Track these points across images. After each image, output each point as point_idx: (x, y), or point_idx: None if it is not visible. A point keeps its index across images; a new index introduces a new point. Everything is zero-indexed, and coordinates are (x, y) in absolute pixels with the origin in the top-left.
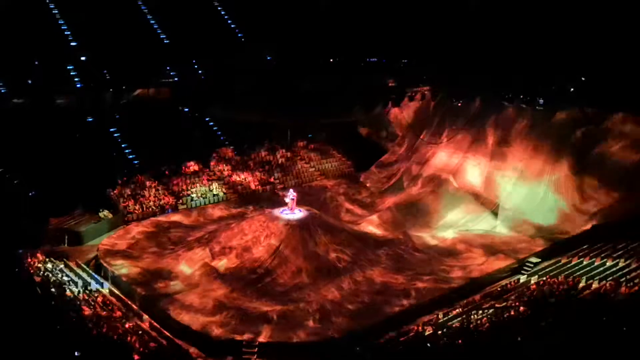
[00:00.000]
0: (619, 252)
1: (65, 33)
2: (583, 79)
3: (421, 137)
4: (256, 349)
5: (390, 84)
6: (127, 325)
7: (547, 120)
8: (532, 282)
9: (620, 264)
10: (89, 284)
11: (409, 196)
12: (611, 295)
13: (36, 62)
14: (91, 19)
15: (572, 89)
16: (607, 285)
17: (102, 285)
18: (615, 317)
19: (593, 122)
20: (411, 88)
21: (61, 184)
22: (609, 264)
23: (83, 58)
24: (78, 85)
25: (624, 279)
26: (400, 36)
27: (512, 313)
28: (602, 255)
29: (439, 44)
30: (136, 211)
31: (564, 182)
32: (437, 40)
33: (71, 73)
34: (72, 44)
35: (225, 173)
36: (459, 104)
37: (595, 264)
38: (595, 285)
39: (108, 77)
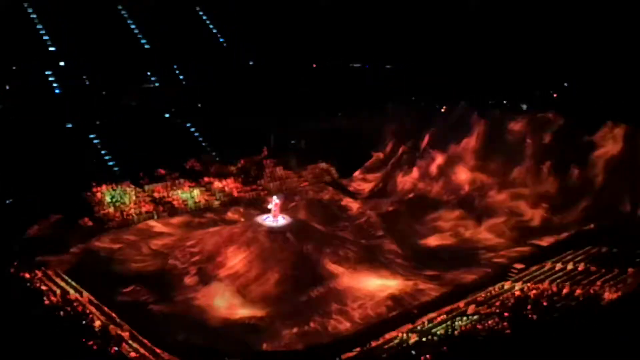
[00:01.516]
0: (603, 258)
1: (44, 38)
2: (566, 84)
3: (406, 143)
4: (239, 357)
5: (374, 90)
6: (107, 335)
7: (531, 125)
8: (517, 288)
9: (604, 270)
10: (68, 292)
11: (393, 202)
12: (595, 301)
13: (14, 68)
14: (70, 25)
15: (555, 95)
16: (591, 290)
17: (81, 294)
18: (598, 321)
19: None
20: (396, 93)
21: (40, 192)
22: (592, 269)
23: (62, 63)
24: (57, 91)
25: (607, 284)
26: (384, 42)
27: (497, 319)
28: (586, 260)
29: (424, 51)
30: (116, 218)
31: (546, 187)
32: (422, 46)
33: (50, 79)
34: (50, 49)
35: (207, 179)
36: (443, 109)
37: (579, 269)
38: (578, 290)
39: (87, 83)
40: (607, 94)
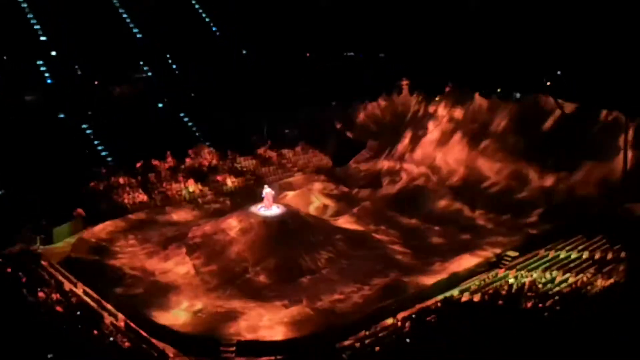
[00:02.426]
0: (596, 245)
1: (35, 28)
2: (559, 72)
3: (401, 131)
4: (234, 347)
5: (367, 78)
6: (102, 326)
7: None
8: (510, 276)
9: (597, 256)
10: (62, 284)
11: (387, 191)
12: (588, 288)
13: (5, 58)
14: (61, 14)
15: (548, 83)
16: (584, 278)
17: (75, 285)
18: (592, 309)
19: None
20: (389, 82)
21: (32, 182)
22: (585, 256)
23: (53, 53)
24: (49, 82)
25: (600, 271)
26: (377, 31)
27: (490, 307)
28: (579, 248)
29: (416, 38)
30: (109, 209)
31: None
32: (413, 34)
33: (41, 69)
34: (42, 38)
35: (201, 169)
36: (437, 98)
37: (572, 256)
38: (572, 278)
39: (79, 73)
40: (602, 82)
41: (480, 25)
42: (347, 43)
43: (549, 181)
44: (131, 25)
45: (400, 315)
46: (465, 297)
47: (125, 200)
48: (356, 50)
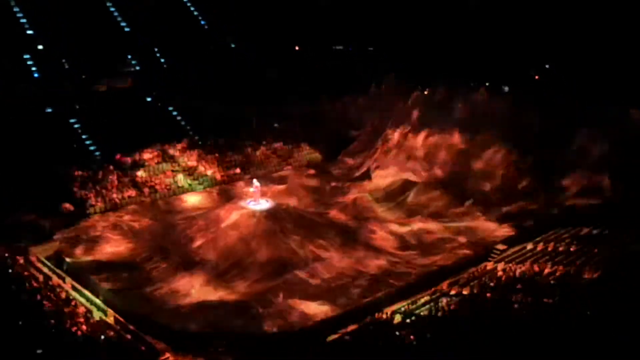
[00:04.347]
0: (583, 238)
1: (21, 21)
2: (547, 66)
3: (389, 125)
4: (224, 341)
5: (357, 72)
6: (91, 321)
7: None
8: (499, 268)
9: (584, 250)
10: (50, 279)
11: (376, 184)
12: (575, 281)
13: None
14: (48, 7)
15: (536, 77)
16: (572, 270)
17: (63, 280)
18: (579, 302)
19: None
20: (378, 76)
21: (20, 178)
22: (573, 249)
23: (40, 47)
24: (35, 75)
25: (587, 264)
26: (367, 24)
27: (479, 300)
28: (567, 241)
29: (406, 32)
30: (98, 203)
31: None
32: (403, 28)
33: (28, 63)
34: (28, 32)
35: (190, 164)
36: (426, 92)
37: (560, 249)
38: (559, 271)
39: (67, 67)
40: (589, 75)
41: (470, 20)
42: (335, 36)
43: (537, 175)
44: (119, 19)
45: (390, 309)
46: (454, 290)
47: (114, 195)
48: (345, 43)
